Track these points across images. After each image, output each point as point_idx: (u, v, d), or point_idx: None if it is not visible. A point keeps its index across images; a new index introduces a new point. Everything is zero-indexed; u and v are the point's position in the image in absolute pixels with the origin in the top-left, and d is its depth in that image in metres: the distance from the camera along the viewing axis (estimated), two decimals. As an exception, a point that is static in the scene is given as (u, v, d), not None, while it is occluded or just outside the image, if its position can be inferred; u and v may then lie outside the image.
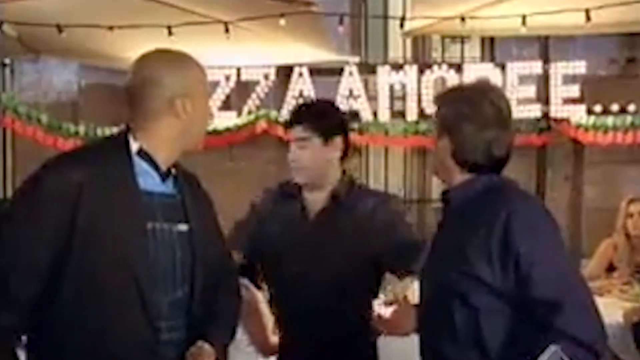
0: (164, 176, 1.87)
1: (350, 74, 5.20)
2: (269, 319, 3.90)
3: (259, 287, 3.08)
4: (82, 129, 4.63)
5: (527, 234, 1.70)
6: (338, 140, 2.36)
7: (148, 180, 1.84)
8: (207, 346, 1.84)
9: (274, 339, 3.71)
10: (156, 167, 1.85)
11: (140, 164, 1.82)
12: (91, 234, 1.71)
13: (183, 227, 1.88)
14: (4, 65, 5.75)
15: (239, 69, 5.20)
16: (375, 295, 2.52)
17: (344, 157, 2.43)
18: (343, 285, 2.32)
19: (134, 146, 1.81)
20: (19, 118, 4.16)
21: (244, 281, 3.49)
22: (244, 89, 5.30)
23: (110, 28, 3.70)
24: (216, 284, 1.96)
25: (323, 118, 2.36)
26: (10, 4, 3.75)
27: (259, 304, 3.66)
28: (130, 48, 4.11)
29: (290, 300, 2.45)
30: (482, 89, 1.91)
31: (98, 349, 1.74)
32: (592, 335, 1.67)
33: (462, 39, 5.71)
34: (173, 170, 1.89)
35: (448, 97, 1.93)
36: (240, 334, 3.37)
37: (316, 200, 2.38)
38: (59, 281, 1.71)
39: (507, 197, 1.80)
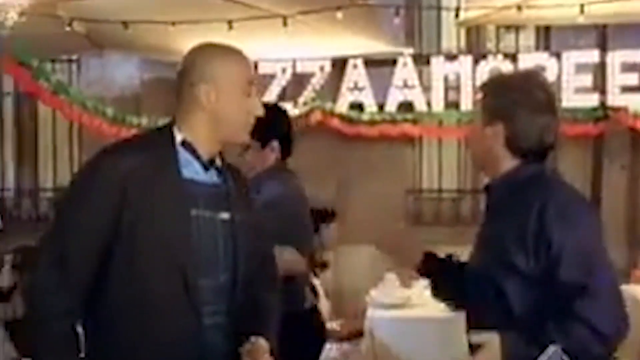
0: (207, 166, 1.93)
1: (405, 65, 5.23)
2: (324, 305, 3.98)
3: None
4: (144, 120, 4.80)
5: (561, 222, 1.75)
6: (274, 144, 2.71)
7: (191, 169, 1.90)
8: (261, 341, 1.88)
9: (330, 324, 3.80)
10: (198, 157, 1.90)
11: (184, 154, 1.88)
12: (137, 220, 1.80)
13: (225, 215, 1.94)
14: (71, 61, 5.99)
15: (294, 62, 5.30)
16: None
17: (284, 157, 2.76)
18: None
19: (178, 137, 1.89)
20: (86, 111, 4.33)
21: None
22: (299, 81, 5.39)
23: (173, 23, 3.82)
24: (258, 275, 2.00)
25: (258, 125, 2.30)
26: (79, 2, 3.90)
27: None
28: (191, 42, 4.24)
29: None
30: (530, 75, 1.96)
31: (144, 332, 1.82)
32: (610, 327, 1.71)
33: (517, 29, 5.67)
34: (218, 161, 1.94)
35: (497, 85, 1.97)
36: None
37: None
38: (109, 265, 1.79)
39: (546, 187, 1.84)
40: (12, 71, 4.13)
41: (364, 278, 4.84)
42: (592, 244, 1.79)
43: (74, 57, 5.94)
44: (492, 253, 1.83)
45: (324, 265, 3.93)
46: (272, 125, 2.69)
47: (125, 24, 4.08)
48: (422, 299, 4.18)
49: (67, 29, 4.04)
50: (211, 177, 1.94)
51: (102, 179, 1.80)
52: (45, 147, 6.33)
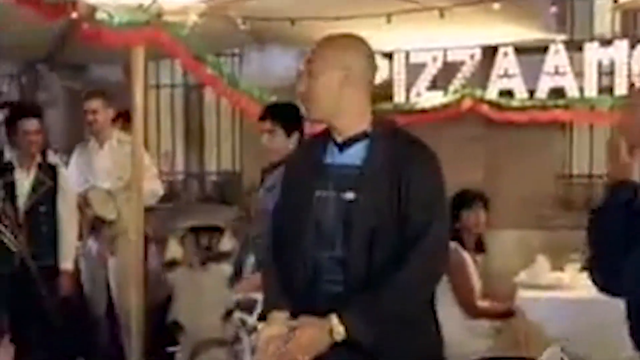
0: (342, 147, 2.16)
1: (557, 52, 5.23)
2: (476, 282, 4.11)
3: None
4: (302, 109, 5.10)
5: None
6: (296, 136, 3.45)
7: (330, 152, 2.17)
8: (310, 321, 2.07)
9: (481, 303, 3.93)
10: (334, 140, 2.15)
11: (329, 139, 2.18)
12: (283, 202, 2.27)
13: (350, 195, 2.12)
14: (234, 55, 6.45)
15: (445, 51, 5.43)
16: None
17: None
18: None
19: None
20: (252, 100, 4.70)
21: (452, 244, 3.77)
22: (449, 69, 5.51)
23: (337, 19, 4.08)
24: (395, 252, 2.07)
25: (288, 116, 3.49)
26: (249, 2, 4.27)
27: (467, 267, 3.89)
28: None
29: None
30: None
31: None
32: None
33: (676, 12, 5.50)
34: (363, 141, 2.14)
35: None
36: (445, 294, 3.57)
37: None
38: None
39: None
40: (190, 65, 4.54)
41: (512, 260, 4.94)
42: None
43: (236, 51, 6.41)
44: None
45: (482, 249, 4.07)
46: (298, 119, 3.53)
47: (292, 20, 4.40)
48: (574, 282, 4.24)
49: (242, 27, 4.41)
50: (347, 157, 2.16)
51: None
52: (210, 135, 6.84)
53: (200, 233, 6.26)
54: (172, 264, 2.46)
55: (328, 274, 2.14)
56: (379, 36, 4.27)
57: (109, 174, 4.79)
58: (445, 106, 5.49)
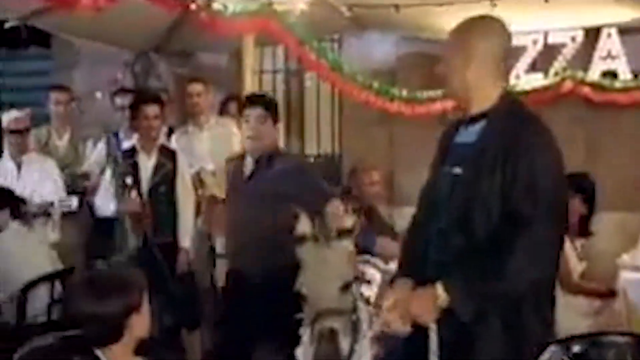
0: (468, 125, 2.27)
1: (662, 31, 5.10)
2: (575, 264, 4.09)
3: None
4: (405, 92, 5.19)
5: None
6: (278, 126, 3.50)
7: (460, 130, 2.31)
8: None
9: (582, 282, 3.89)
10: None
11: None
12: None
13: (457, 170, 2.24)
14: (333, 40, 6.56)
15: (546, 33, 5.37)
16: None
17: None
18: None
19: None
20: (355, 85, 4.81)
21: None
22: (550, 51, 5.46)
23: (441, 4, 4.14)
24: (497, 230, 2.10)
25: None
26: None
27: (564, 250, 3.89)
28: (455, 20, 4.55)
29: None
30: None
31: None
32: None
33: None
34: (483, 120, 2.22)
35: None
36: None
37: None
38: None
39: None
40: (296, 51, 4.70)
41: (614, 243, 4.88)
42: None
43: (335, 37, 6.52)
44: None
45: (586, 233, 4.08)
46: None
47: (397, 7, 4.49)
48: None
49: (347, 14, 4.53)
50: (469, 136, 2.26)
51: None
52: (310, 118, 6.99)
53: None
54: (302, 239, 2.60)
55: (435, 243, 2.28)
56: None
57: (209, 156, 5.01)
58: (545, 88, 5.44)
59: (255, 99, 3.60)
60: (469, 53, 2.22)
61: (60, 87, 5.56)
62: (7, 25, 5.14)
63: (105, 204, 4.59)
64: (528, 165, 2.09)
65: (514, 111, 2.24)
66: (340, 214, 2.92)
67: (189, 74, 6.61)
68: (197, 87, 5.05)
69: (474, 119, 2.27)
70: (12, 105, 5.60)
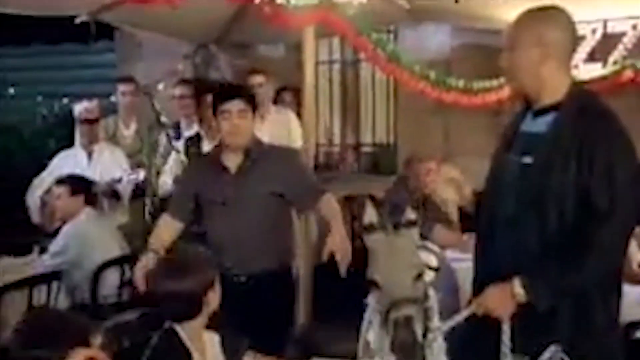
0: (536, 116, 2.27)
1: None
2: (635, 252, 4.02)
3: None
4: (461, 83, 5.16)
5: None
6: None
7: (527, 120, 2.31)
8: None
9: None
10: (532, 109, 2.28)
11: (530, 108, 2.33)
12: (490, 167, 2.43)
13: (527, 159, 2.23)
14: (389, 31, 6.57)
15: (605, 22, 5.27)
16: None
17: None
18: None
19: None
20: (413, 76, 4.82)
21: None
22: (609, 40, 5.35)
23: (503, -5, 4.11)
24: (571, 224, 2.11)
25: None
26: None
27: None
28: (511, 10, 4.50)
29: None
30: None
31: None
32: None
33: None
34: (554, 111, 2.22)
35: None
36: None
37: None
38: None
39: None
40: (355, 42, 4.73)
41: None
42: None
43: (391, 28, 6.51)
44: None
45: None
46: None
47: (456, -1, 4.48)
48: None
49: (407, 6, 4.53)
50: (536, 126, 2.26)
51: None
52: (365, 108, 7.04)
53: (353, 201, 6.50)
54: (370, 228, 2.64)
55: (502, 231, 2.28)
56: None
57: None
58: (604, 78, 5.33)
59: (235, 91, 3.23)
60: (544, 47, 2.20)
61: (127, 78, 5.70)
62: (77, 21, 5.28)
63: (169, 183, 4.75)
64: (605, 159, 2.09)
65: (587, 104, 2.23)
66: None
67: (247, 65, 6.70)
68: (258, 78, 5.13)
69: (542, 111, 2.26)
70: (77, 97, 5.79)
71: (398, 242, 2.65)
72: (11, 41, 7.38)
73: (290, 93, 5.51)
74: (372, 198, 6.32)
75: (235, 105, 3.10)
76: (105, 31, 6.93)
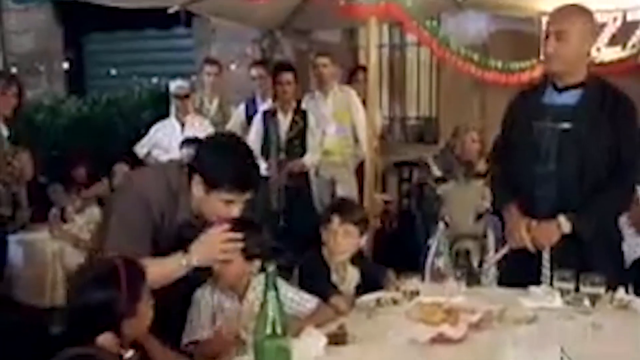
0: (561, 91, 2.69)
1: None
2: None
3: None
4: (499, 63, 5.60)
5: None
6: None
7: (549, 95, 2.73)
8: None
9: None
10: (554, 85, 2.71)
11: (549, 85, 2.76)
12: (506, 131, 2.89)
13: (566, 125, 2.65)
14: (432, 18, 6.96)
15: (625, 12, 5.65)
16: None
17: None
18: None
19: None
20: (459, 57, 5.26)
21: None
22: (628, 27, 5.72)
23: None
24: (604, 173, 2.59)
25: None
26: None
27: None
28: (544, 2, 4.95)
29: None
30: None
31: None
32: None
33: None
34: (578, 88, 2.67)
35: None
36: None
37: None
38: None
39: None
40: (412, 30, 5.17)
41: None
42: None
43: (434, 15, 6.91)
44: None
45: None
46: None
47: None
48: None
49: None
50: (563, 98, 2.70)
51: None
52: (411, 86, 7.44)
53: (402, 167, 6.99)
54: (441, 180, 3.15)
55: (541, 183, 2.71)
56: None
57: (332, 117, 5.61)
58: (621, 60, 5.73)
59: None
60: (585, 39, 2.68)
61: (212, 61, 6.25)
62: (170, 11, 5.80)
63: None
64: (627, 123, 2.64)
65: (605, 83, 2.74)
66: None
67: (307, 49, 7.20)
68: (323, 60, 5.63)
69: (566, 87, 2.70)
70: (164, 76, 6.31)
71: (465, 189, 3.20)
72: (99, 28, 7.95)
73: (363, 72, 5.98)
74: (415, 164, 6.83)
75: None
76: (185, 20, 7.46)
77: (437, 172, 3.27)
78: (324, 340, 1.98)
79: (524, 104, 2.84)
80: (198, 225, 2.25)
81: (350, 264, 2.69)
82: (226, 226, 2.18)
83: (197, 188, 2.22)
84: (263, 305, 1.65)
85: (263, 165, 5.18)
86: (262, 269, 2.21)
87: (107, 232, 2.19)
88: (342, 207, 2.72)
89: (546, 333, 2.19)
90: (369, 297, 2.49)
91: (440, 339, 2.05)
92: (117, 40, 8.12)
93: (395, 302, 2.48)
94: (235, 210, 2.24)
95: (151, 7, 5.63)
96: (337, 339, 2.07)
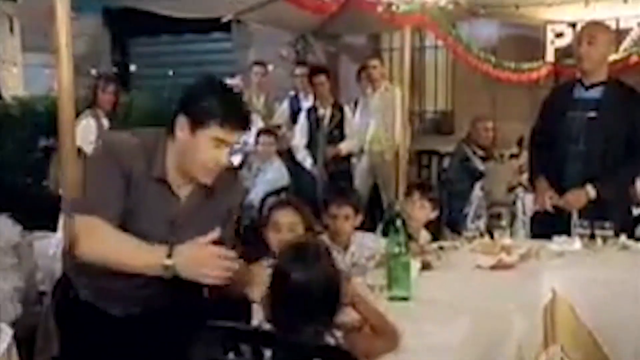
0: (588, 88, 3.42)
1: None
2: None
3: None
4: (512, 64, 6.44)
5: None
6: None
7: (577, 90, 3.47)
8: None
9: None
10: (580, 81, 3.45)
11: (578, 83, 3.49)
12: (542, 119, 3.59)
13: (592, 114, 3.35)
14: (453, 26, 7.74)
15: (617, 19, 6.45)
16: None
17: None
18: None
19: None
20: (478, 59, 6.09)
21: None
22: (621, 34, 6.52)
23: (549, 5, 5.33)
24: (623, 153, 3.35)
25: None
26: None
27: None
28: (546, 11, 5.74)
29: None
30: None
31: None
32: None
33: None
34: (601, 85, 3.41)
35: None
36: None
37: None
38: None
39: None
40: (440, 36, 5.98)
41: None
42: None
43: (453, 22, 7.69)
44: None
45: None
46: None
47: (517, 6, 5.70)
48: None
49: (482, 11, 5.77)
50: (591, 94, 3.42)
51: None
52: (429, 82, 8.24)
53: (421, 155, 7.80)
54: (484, 158, 3.97)
55: (572, 160, 3.46)
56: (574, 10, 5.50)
57: (379, 111, 6.44)
58: (615, 62, 6.54)
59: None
60: (611, 45, 3.48)
61: (260, 62, 7.00)
62: (224, 19, 6.56)
63: (299, 146, 6.12)
64: None
65: (623, 83, 3.56)
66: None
67: (336, 51, 7.99)
68: (374, 62, 6.50)
69: (592, 85, 3.46)
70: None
71: (500, 167, 4.05)
72: (143, 33, 8.69)
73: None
74: (437, 153, 7.66)
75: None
76: (225, 25, 8.17)
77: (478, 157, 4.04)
78: (419, 264, 2.80)
79: (558, 99, 3.59)
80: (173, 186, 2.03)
81: (424, 228, 3.45)
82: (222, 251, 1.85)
83: (183, 131, 1.94)
84: (390, 237, 2.43)
85: (309, 161, 6.03)
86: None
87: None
88: (421, 187, 3.42)
89: (571, 264, 3.03)
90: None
91: (499, 265, 2.87)
92: (161, 44, 8.85)
93: (455, 247, 3.29)
94: (224, 155, 1.97)
95: (207, 18, 6.30)
96: (425, 266, 2.89)
